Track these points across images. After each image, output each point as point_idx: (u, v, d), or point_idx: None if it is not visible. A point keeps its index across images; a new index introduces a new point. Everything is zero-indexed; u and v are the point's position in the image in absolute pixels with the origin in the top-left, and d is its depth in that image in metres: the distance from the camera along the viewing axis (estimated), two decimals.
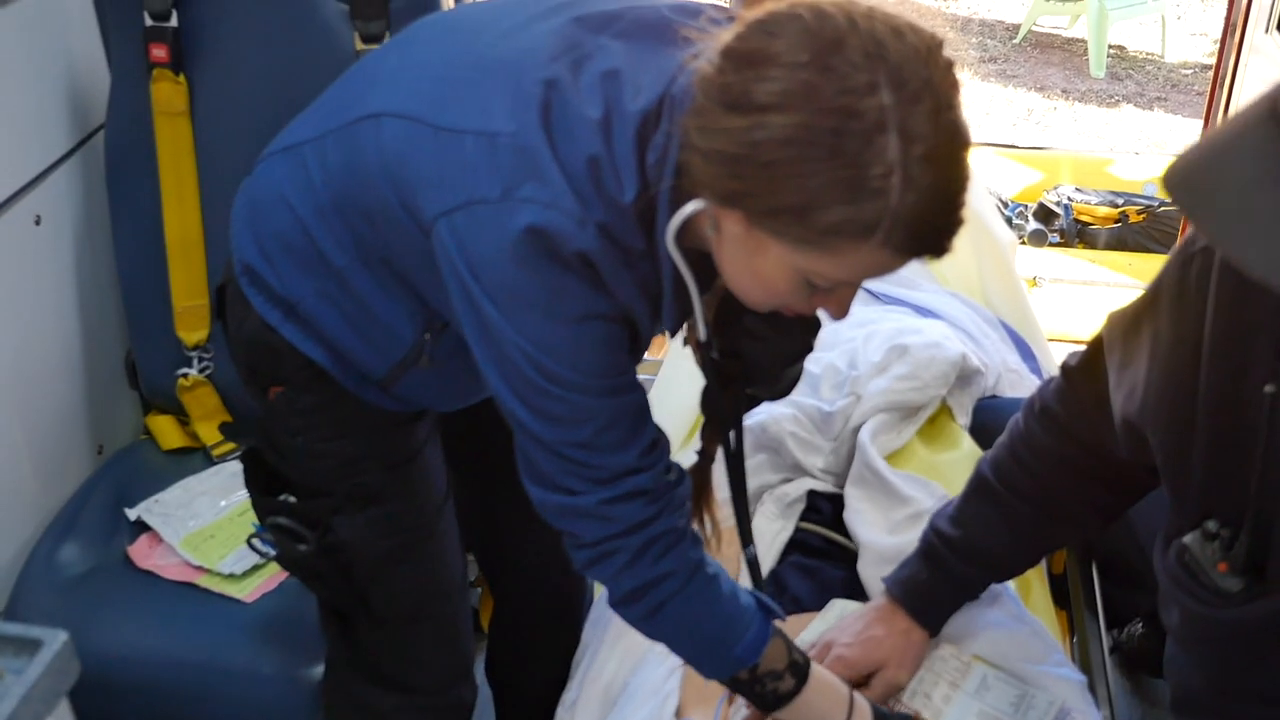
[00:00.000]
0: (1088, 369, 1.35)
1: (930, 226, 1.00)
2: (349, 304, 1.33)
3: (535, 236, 1.09)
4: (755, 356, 1.27)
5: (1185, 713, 1.24)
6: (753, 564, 1.44)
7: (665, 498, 1.22)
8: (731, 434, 1.34)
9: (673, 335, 1.32)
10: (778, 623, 1.34)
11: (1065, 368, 1.41)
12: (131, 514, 2.05)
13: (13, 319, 2.00)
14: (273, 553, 1.56)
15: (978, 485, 1.49)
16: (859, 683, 1.45)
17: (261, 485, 1.52)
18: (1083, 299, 3.31)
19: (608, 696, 1.61)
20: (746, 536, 1.41)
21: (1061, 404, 1.40)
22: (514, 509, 1.67)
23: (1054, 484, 1.43)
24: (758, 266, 1.08)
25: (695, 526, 1.38)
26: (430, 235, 1.16)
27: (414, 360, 1.35)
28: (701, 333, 1.21)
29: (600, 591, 1.84)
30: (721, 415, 1.32)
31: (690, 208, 1.07)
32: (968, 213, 1.01)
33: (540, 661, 1.90)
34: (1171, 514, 1.11)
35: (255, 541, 1.58)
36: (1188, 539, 1.03)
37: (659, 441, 1.23)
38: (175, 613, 1.87)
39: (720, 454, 1.37)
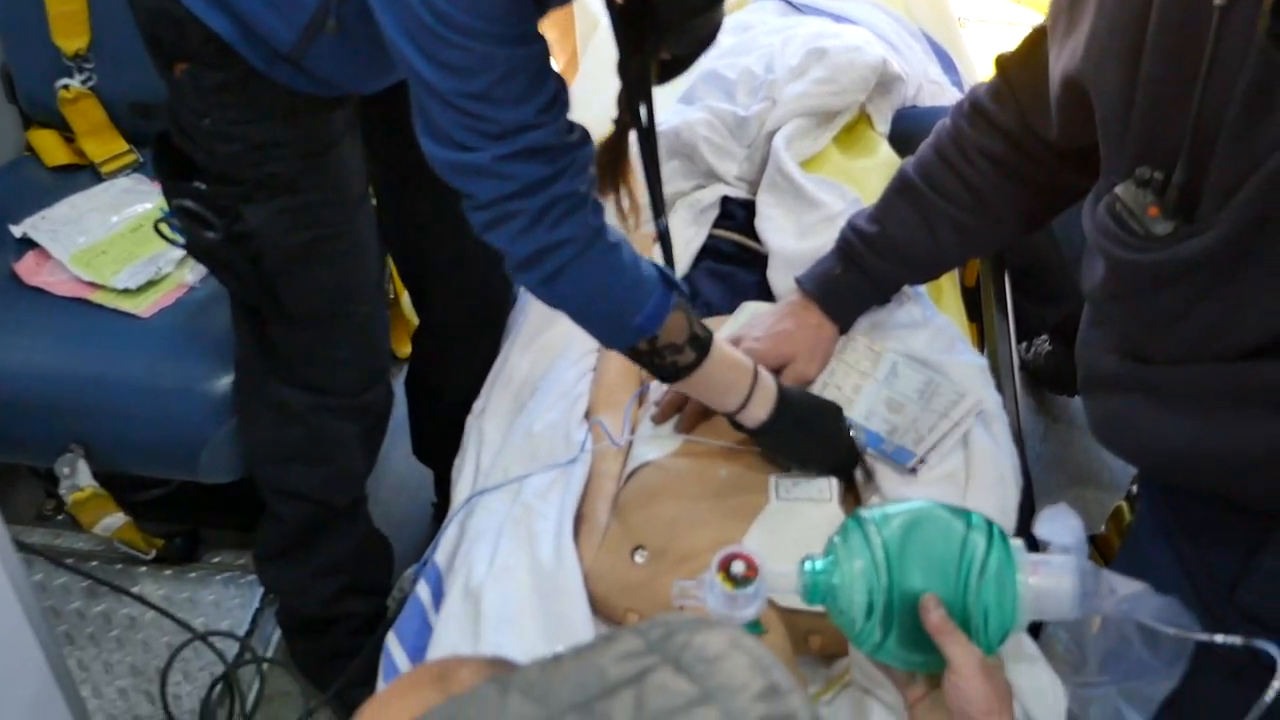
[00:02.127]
0: (1025, 56, 1.31)
1: None
2: None
3: None
4: (662, 6, 1.20)
5: (1095, 391, 1.25)
6: (663, 235, 1.40)
7: (566, 159, 1.17)
8: (643, 107, 1.28)
9: None
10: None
11: (1000, 59, 1.36)
12: (17, 230, 1.96)
13: None
14: (181, 240, 1.51)
15: (900, 185, 1.45)
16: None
17: (171, 169, 1.47)
18: (1009, 41, 3.23)
19: (517, 401, 1.59)
20: (658, 208, 1.37)
21: (994, 99, 1.36)
22: (436, 210, 1.64)
23: (980, 183, 1.39)
24: None
25: (611, 199, 1.36)
26: None
27: (321, 23, 1.28)
28: None
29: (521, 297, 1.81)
30: (635, 80, 1.26)
31: None
32: None
33: (458, 373, 1.86)
34: (1103, 175, 1.09)
35: (163, 227, 1.52)
36: (1119, 188, 1.01)
37: (559, 98, 1.17)
38: (69, 329, 1.81)
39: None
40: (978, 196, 1.41)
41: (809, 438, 1.38)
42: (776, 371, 1.43)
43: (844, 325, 1.50)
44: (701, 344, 1.30)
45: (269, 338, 1.63)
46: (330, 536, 1.82)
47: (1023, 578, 1.00)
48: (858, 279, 1.48)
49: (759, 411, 1.35)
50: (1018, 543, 1.03)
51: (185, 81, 1.37)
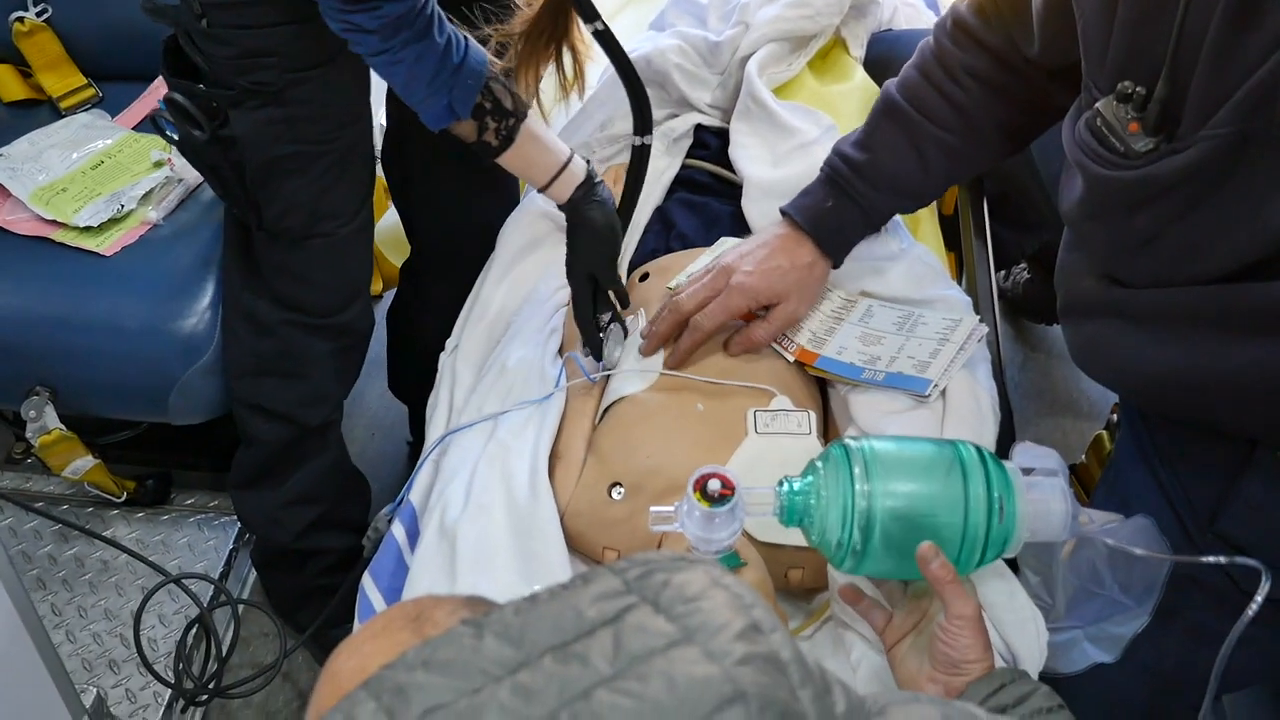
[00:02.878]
0: None
1: None
2: None
3: None
4: None
5: (1073, 315, 1.23)
6: (641, 152, 1.52)
7: None
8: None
9: None
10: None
11: None
12: None
13: None
14: (175, 135, 1.52)
15: (886, 108, 1.41)
16: (758, 312, 1.43)
17: (174, 66, 1.49)
18: None
19: (491, 338, 1.57)
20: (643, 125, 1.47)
21: (977, 14, 1.33)
22: (432, 142, 1.61)
23: (966, 103, 1.36)
24: None
25: (551, 62, 1.56)
26: None
27: None
28: None
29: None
30: None
31: None
32: None
33: (437, 309, 1.83)
34: (1084, 88, 1.06)
35: (160, 119, 1.52)
36: (1100, 103, 0.99)
37: None
38: (30, 269, 1.76)
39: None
40: (965, 117, 1.37)
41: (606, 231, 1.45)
42: (766, 308, 1.42)
43: (837, 260, 1.46)
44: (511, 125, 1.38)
45: (251, 252, 1.64)
46: (302, 462, 1.81)
47: (1020, 499, 1.00)
48: (850, 210, 1.43)
49: (563, 190, 1.43)
50: (1012, 465, 1.03)
51: None
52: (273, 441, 1.78)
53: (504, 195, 1.86)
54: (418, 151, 1.84)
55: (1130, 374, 1.16)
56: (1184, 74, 0.92)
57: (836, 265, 1.46)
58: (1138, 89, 0.96)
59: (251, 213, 1.57)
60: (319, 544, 1.85)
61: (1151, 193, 0.97)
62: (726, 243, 1.57)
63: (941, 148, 1.39)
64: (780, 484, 1.02)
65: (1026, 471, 1.05)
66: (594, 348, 1.46)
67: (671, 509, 1.02)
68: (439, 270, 1.94)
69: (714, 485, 0.98)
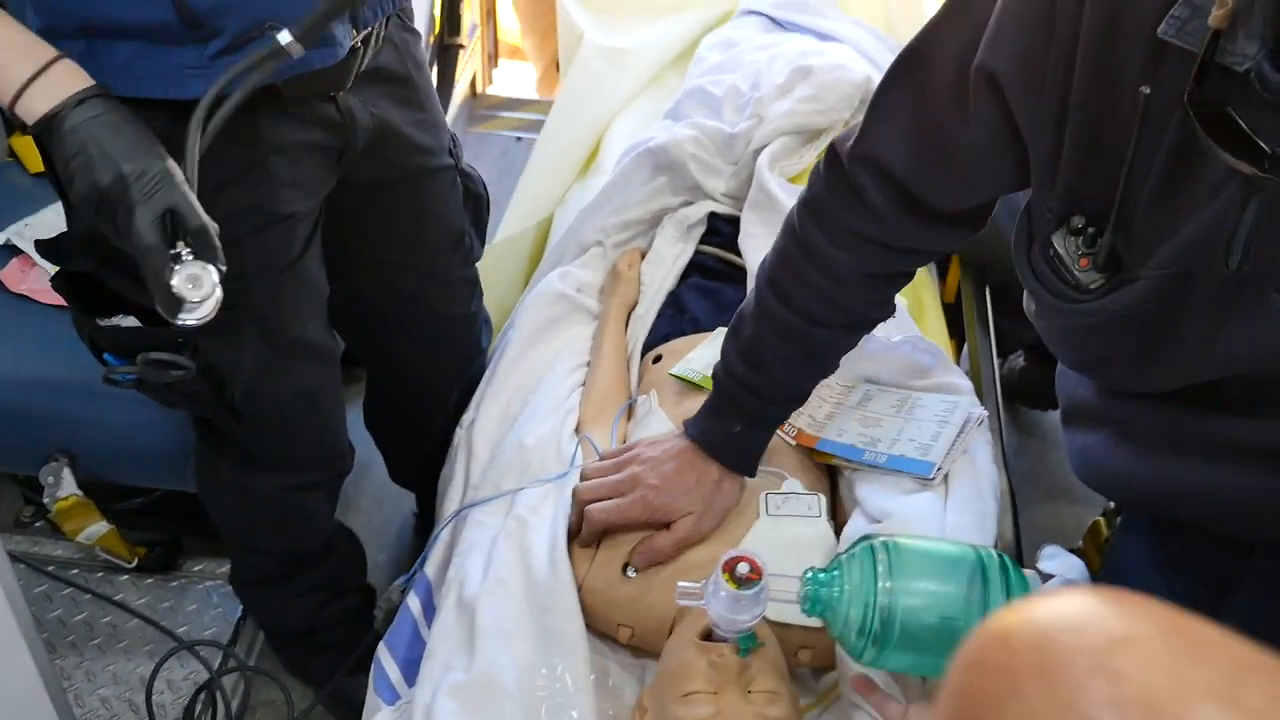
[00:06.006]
0: (886, 120, 1.17)
1: None
2: None
3: None
4: None
5: (1071, 422, 1.27)
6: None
7: None
8: None
9: None
10: None
11: (842, 144, 1.22)
12: (0, 237, 1.95)
13: None
14: (129, 380, 1.36)
15: (769, 317, 1.32)
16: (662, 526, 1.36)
17: (90, 304, 1.36)
18: None
19: (507, 414, 1.61)
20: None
21: (844, 194, 1.23)
22: (390, 289, 1.66)
23: (844, 297, 1.29)
24: None
25: None
26: None
27: None
28: None
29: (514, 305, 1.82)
30: None
31: None
32: None
33: (431, 419, 1.87)
34: (1035, 211, 1.07)
35: (111, 377, 1.36)
36: (1055, 237, 1.03)
37: None
38: (54, 338, 1.80)
39: None
40: (846, 312, 1.32)
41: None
42: (668, 525, 1.35)
43: (751, 473, 1.40)
44: None
45: (228, 436, 1.58)
46: (304, 569, 1.82)
47: None
48: (757, 429, 1.39)
49: (38, 105, 1.12)
50: (1032, 574, 1.06)
51: None
52: (271, 565, 1.80)
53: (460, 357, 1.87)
54: (379, 306, 1.74)
55: (1122, 486, 1.20)
56: (1129, 215, 0.96)
57: (751, 475, 1.40)
58: (1088, 228, 0.99)
59: (230, 417, 1.49)
60: (327, 616, 1.88)
61: (1102, 320, 1.01)
62: (723, 333, 1.59)
63: (830, 342, 1.36)
64: (806, 573, 1.05)
65: (1047, 577, 1.08)
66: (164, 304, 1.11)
67: (698, 586, 1.06)
68: (422, 390, 1.89)
69: (743, 569, 1.02)
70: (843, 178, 1.21)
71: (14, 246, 1.94)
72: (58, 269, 1.39)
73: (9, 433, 1.78)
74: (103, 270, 1.34)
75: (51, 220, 1.98)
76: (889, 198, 1.18)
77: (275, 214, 1.37)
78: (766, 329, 1.32)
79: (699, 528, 1.35)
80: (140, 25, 1.18)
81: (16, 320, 1.83)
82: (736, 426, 1.36)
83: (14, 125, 2.12)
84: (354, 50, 1.32)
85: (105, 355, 1.39)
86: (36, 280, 1.88)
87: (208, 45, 1.20)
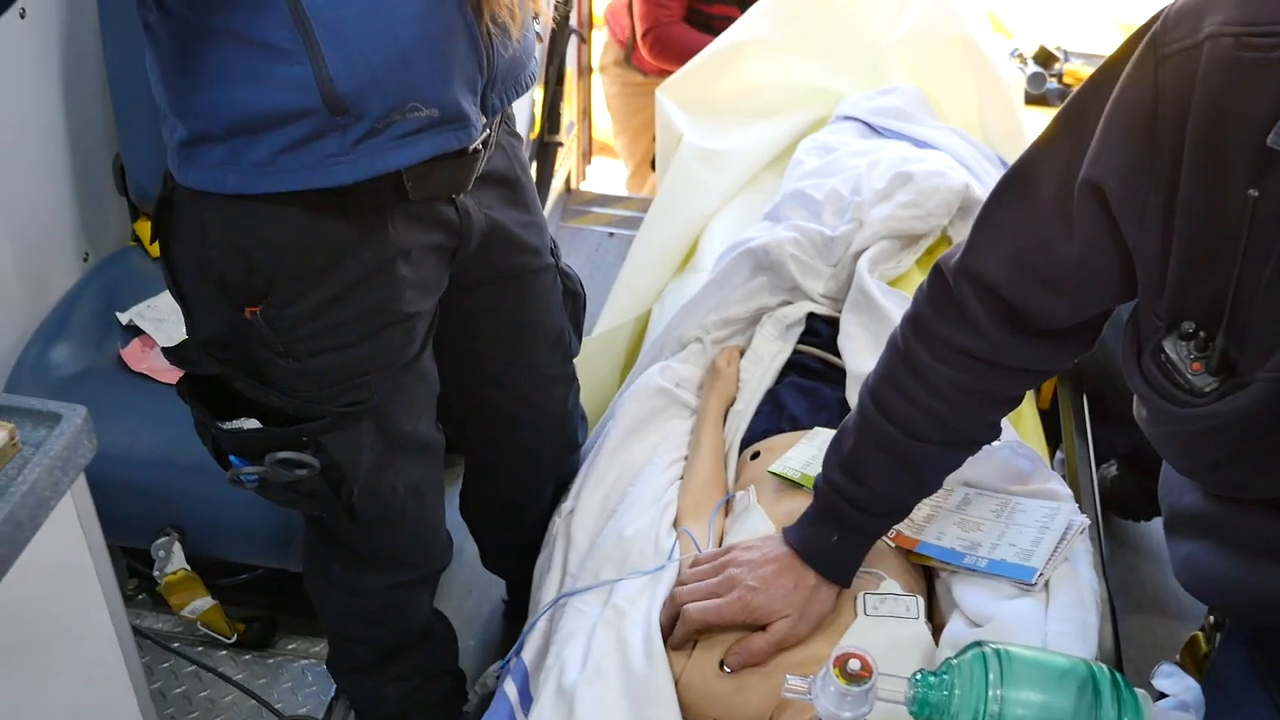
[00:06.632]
0: (992, 237, 1.19)
1: None
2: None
3: None
4: None
5: (1173, 532, 1.27)
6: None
7: None
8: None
9: None
10: None
11: (948, 261, 1.24)
12: (123, 318, 2.04)
13: None
14: (252, 481, 1.44)
15: (871, 430, 1.33)
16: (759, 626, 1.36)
17: (213, 407, 1.42)
18: None
19: (606, 506, 1.64)
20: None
21: (951, 310, 1.24)
22: (496, 397, 1.70)
23: (948, 415, 1.29)
24: None
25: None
26: None
27: None
28: None
29: (614, 397, 1.85)
30: None
31: None
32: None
33: (530, 510, 1.91)
34: (1143, 319, 1.09)
35: (234, 479, 1.45)
36: (1166, 342, 1.04)
37: None
38: (171, 414, 1.84)
39: None
40: (949, 429, 1.31)
41: None
42: (763, 627, 1.35)
43: (847, 583, 1.40)
44: None
45: (337, 536, 1.64)
46: (400, 657, 1.85)
47: None
48: (855, 541, 1.39)
49: None
50: (1143, 693, 1.06)
51: (258, 323, 1.35)
52: (368, 653, 1.83)
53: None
54: (485, 399, 1.78)
55: (1228, 594, 1.19)
56: (1241, 319, 0.97)
57: (847, 585, 1.40)
58: (1199, 332, 1.00)
59: (346, 515, 1.53)
60: (420, 700, 1.90)
61: (1217, 424, 1.02)
62: (821, 434, 1.63)
63: (931, 458, 1.35)
64: (915, 675, 1.06)
65: (1159, 695, 1.08)
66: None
67: (806, 681, 1.07)
68: (520, 483, 1.92)
69: (854, 665, 1.03)
70: (947, 293, 1.23)
71: (135, 327, 2.02)
72: (182, 374, 1.46)
73: (125, 507, 1.84)
74: (228, 373, 1.41)
75: (170, 302, 2.06)
76: (993, 314, 1.20)
77: (399, 313, 1.43)
78: (868, 442, 1.33)
79: (795, 631, 1.35)
80: (286, 114, 1.25)
81: (137, 398, 1.91)
82: (834, 536, 1.37)
83: (137, 210, 2.24)
84: (475, 153, 1.39)
85: (230, 457, 1.45)
86: (156, 360, 1.96)
87: (349, 131, 1.26)
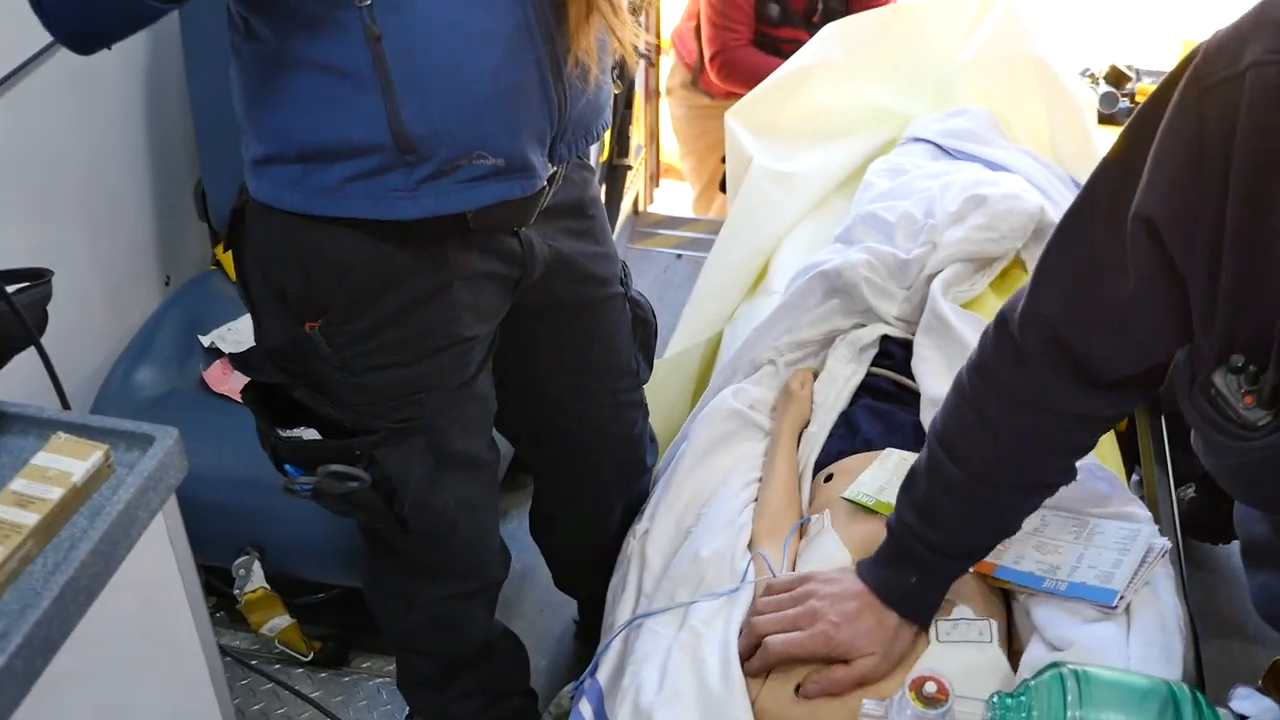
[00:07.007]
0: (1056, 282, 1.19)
1: None
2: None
3: None
4: None
5: (1252, 560, 1.26)
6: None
7: None
8: None
9: None
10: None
11: (1012, 309, 1.23)
12: (205, 340, 2.08)
13: (81, 146, 1.99)
14: (306, 490, 1.47)
15: (940, 475, 1.32)
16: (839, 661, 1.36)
17: (274, 415, 1.47)
18: None
19: (680, 527, 1.65)
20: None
21: (1014, 362, 1.24)
22: (565, 422, 1.71)
23: (1014, 461, 1.30)
24: None
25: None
26: None
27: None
28: None
29: (685, 418, 1.86)
30: None
31: None
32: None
33: (600, 529, 1.92)
34: (1194, 352, 1.07)
35: (289, 488, 1.48)
36: (1216, 376, 1.01)
37: None
38: (252, 435, 1.86)
39: None
40: (1023, 474, 1.32)
41: None
42: (846, 661, 1.34)
43: (925, 624, 1.39)
44: None
45: (392, 546, 1.66)
46: (464, 672, 1.86)
47: None
48: (934, 583, 1.39)
49: None
50: (1225, 712, 1.05)
51: (319, 337, 1.40)
52: (432, 666, 1.85)
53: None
54: (547, 418, 1.81)
55: None
56: None
57: (926, 627, 1.39)
58: (1249, 365, 0.99)
59: (398, 527, 1.55)
60: (490, 718, 1.91)
61: (1270, 457, 1.00)
62: (895, 455, 1.62)
63: (1006, 502, 1.35)
64: (993, 697, 1.06)
65: (1240, 718, 1.07)
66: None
67: (882, 705, 1.07)
68: (588, 501, 1.94)
69: (930, 688, 1.03)
70: (1010, 341, 1.23)
71: (217, 349, 2.07)
72: (248, 380, 1.50)
73: (208, 526, 1.86)
74: (289, 382, 1.44)
75: (250, 325, 2.10)
76: (1055, 362, 1.20)
77: (455, 336, 1.45)
78: (940, 487, 1.33)
79: (878, 670, 1.34)
80: (355, 146, 1.29)
81: (219, 419, 1.95)
82: (912, 578, 1.36)
83: (218, 235, 2.29)
84: (539, 191, 1.41)
85: (286, 465, 1.49)
86: (237, 381, 2.00)
87: (415, 170, 1.30)
